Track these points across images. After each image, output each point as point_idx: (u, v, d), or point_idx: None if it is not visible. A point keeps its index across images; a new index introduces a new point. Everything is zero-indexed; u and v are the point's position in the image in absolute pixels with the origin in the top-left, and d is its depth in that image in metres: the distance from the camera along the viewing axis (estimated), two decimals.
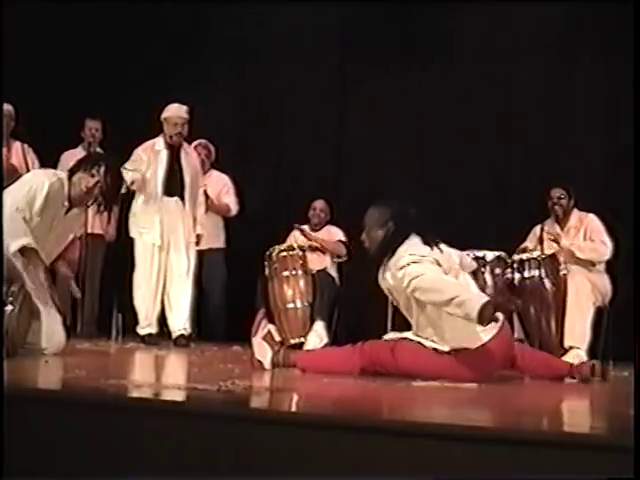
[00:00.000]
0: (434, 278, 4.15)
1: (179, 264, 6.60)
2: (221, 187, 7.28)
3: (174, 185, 6.58)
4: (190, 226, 6.65)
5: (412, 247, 4.30)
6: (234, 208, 7.27)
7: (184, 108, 6.64)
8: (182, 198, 6.61)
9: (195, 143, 7.10)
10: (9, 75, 7.12)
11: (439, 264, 4.27)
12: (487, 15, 7.61)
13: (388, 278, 4.35)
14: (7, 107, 6.73)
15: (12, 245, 4.40)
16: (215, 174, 7.33)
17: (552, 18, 7.35)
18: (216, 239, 7.32)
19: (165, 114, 6.64)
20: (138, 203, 6.60)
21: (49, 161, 6.74)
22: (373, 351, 4.33)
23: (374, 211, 4.53)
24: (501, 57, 7.65)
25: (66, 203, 4.75)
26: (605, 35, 7.29)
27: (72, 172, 4.80)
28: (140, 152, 6.57)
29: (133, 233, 6.62)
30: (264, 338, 4.47)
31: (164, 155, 6.58)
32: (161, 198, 6.54)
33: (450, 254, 4.46)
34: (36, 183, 4.65)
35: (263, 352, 4.44)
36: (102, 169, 4.72)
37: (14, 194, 4.62)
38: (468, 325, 4.10)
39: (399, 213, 4.47)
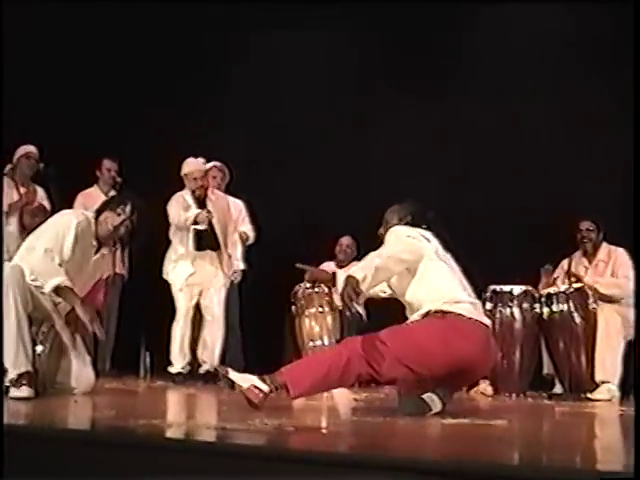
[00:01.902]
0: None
1: (212, 306, 6.72)
2: (237, 214, 7.26)
3: (206, 237, 6.73)
4: (224, 270, 6.74)
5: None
6: (252, 235, 7.26)
7: (201, 161, 6.80)
8: (215, 247, 6.78)
9: (210, 165, 7.08)
10: (28, 115, 7.28)
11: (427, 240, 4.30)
12: (508, 44, 7.62)
13: None
14: (31, 149, 6.82)
15: (47, 285, 4.43)
16: (232, 200, 7.30)
17: (576, 46, 7.35)
18: None
19: (184, 170, 6.79)
20: (175, 250, 6.70)
21: (66, 201, 6.78)
22: (365, 343, 4.11)
23: (394, 208, 4.57)
24: (524, 86, 7.63)
25: (95, 243, 4.79)
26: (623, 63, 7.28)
27: (99, 212, 4.84)
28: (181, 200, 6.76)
29: (170, 278, 6.71)
30: None
31: (193, 211, 6.71)
32: (195, 251, 6.75)
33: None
34: (65, 223, 4.69)
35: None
36: (128, 208, 4.76)
37: (43, 234, 4.66)
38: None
39: (418, 212, 4.51)
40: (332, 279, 4.35)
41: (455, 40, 7.76)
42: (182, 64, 8.21)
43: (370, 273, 4.04)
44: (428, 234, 4.38)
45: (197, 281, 6.75)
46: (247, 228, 7.27)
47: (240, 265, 7.02)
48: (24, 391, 4.27)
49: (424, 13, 7.74)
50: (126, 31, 7.97)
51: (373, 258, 4.16)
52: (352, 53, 8.15)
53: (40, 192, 6.88)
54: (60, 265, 4.54)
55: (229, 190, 7.34)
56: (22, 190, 6.80)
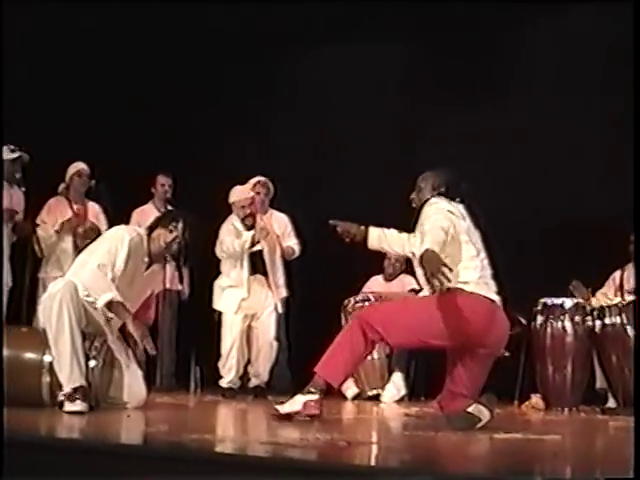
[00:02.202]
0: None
1: (263, 324, 6.76)
2: (283, 229, 7.25)
3: (257, 262, 6.86)
4: (272, 292, 6.85)
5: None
6: (297, 249, 7.24)
7: (248, 188, 6.91)
8: (264, 271, 6.89)
9: (254, 180, 7.10)
10: (82, 133, 7.40)
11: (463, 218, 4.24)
12: (556, 54, 7.57)
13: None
14: (83, 166, 6.91)
15: (99, 300, 4.49)
16: (275, 215, 7.29)
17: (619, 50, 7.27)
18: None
19: (231, 199, 6.89)
20: (227, 277, 6.85)
21: (120, 219, 6.86)
22: (371, 315, 4.25)
23: (429, 175, 4.52)
24: (572, 92, 7.55)
25: (146, 259, 4.84)
26: None
27: (151, 229, 4.89)
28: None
29: (221, 307, 6.86)
30: None
31: (245, 237, 6.80)
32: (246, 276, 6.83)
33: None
34: (117, 239, 4.75)
35: None
36: (180, 225, 4.80)
37: (96, 250, 4.72)
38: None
39: (453, 183, 4.46)
40: (362, 233, 4.67)
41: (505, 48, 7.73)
42: (229, 83, 8.28)
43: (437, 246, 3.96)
44: (463, 210, 4.32)
45: (251, 305, 6.80)
46: (292, 242, 7.26)
47: (283, 293, 7.04)
48: (78, 405, 4.31)
49: (470, 23, 7.74)
50: (176, 51, 8.06)
51: (427, 232, 4.06)
52: (397, 66, 8.15)
53: (93, 208, 6.96)
54: (112, 280, 4.60)
55: (273, 205, 7.37)
56: (75, 207, 6.89)
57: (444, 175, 4.50)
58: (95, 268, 4.55)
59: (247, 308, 6.82)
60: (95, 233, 6.61)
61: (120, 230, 4.92)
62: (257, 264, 6.88)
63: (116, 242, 4.71)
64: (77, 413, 4.26)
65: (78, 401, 4.32)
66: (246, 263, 6.83)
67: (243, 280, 6.82)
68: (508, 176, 7.65)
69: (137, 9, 7.56)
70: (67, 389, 4.35)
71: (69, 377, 4.36)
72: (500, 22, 7.66)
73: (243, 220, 6.87)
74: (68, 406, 4.32)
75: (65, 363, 4.37)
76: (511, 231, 7.57)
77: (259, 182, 7.19)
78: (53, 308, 4.40)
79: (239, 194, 6.94)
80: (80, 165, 6.94)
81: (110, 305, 4.52)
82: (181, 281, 7.02)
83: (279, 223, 7.22)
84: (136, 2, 7.49)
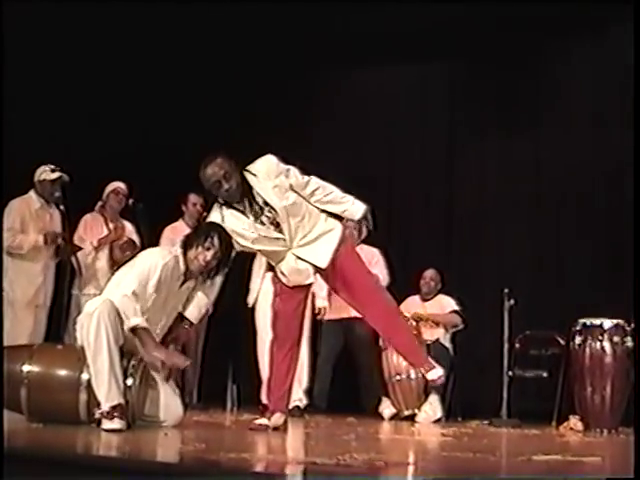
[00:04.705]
0: None
1: None
2: (370, 258, 7.04)
3: None
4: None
5: None
6: (384, 279, 7.00)
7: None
8: None
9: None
10: (117, 152, 7.48)
11: None
12: (594, 80, 7.53)
13: None
14: (120, 185, 6.97)
15: (125, 324, 4.52)
16: (365, 248, 7.10)
17: None
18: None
19: None
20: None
21: (154, 235, 6.89)
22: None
23: None
24: (611, 118, 7.53)
25: (182, 277, 4.84)
26: None
27: (185, 246, 4.86)
28: None
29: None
30: None
31: None
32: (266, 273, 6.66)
33: None
34: (151, 263, 4.73)
35: None
36: (216, 239, 4.79)
37: (130, 273, 4.73)
38: None
39: None
40: None
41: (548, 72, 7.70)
42: (267, 102, 8.33)
43: None
44: None
45: None
46: (378, 270, 7.01)
47: (319, 303, 6.95)
48: (116, 423, 4.33)
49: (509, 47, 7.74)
50: (213, 68, 8.13)
51: None
52: (439, 87, 8.17)
53: (129, 227, 7.02)
54: (144, 302, 4.61)
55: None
56: (111, 225, 6.94)
57: None
58: (126, 291, 4.57)
59: None
60: (132, 248, 6.66)
61: (155, 254, 4.88)
62: None
63: (150, 266, 4.70)
64: (115, 431, 4.27)
65: (116, 419, 4.34)
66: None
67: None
68: (546, 198, 7.64)
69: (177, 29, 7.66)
70: (105, 407, 4.37)
71: (107, 395, 4.38)
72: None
73: None
74: (106, 424, 4.33)
75: (103, 381, 4.39)
76: (550, 249, 7.56)
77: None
78: (91, 326, 4.42)
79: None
80: (117, 184, 7.00)
81: (134, 330, 4.54)
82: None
83: (367, 253, 6.94)
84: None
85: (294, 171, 4.85)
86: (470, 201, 7.90)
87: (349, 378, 7.05)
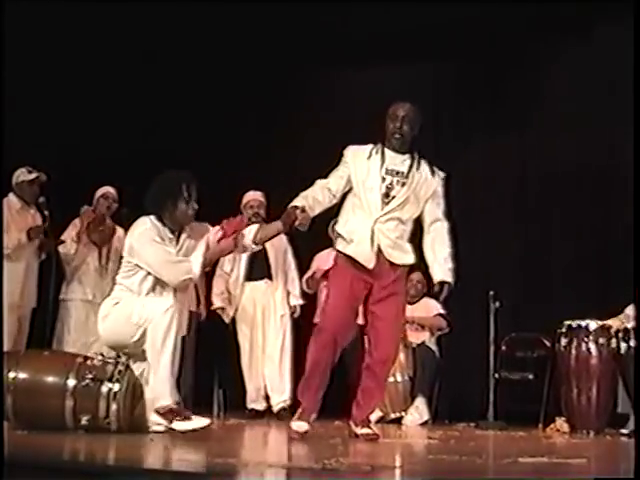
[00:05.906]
0: None
1: (275, 340, 6.73)
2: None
3: (260, 269, 6.91)
4: (281, 303, 6.86)
5: None
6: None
7: (259, 193, 6.96)
8: (270, 278, 6.92)
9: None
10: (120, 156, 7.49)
11: None
12: (582, 82, 7.55)
13: None
14: (109, 189, 6.95)
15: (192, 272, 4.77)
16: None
17: None
18: None
19: (243, 202, 6.94)
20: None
21: None
22: None
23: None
24: (597, 118, 7.53)
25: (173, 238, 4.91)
26: None
27: (160, 209, 4.91)
28: None
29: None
30: None
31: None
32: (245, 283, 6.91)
33: None
34: (146, 237, 4.81)
35: None
36: (190, 187, 4.92)
37: (149, 248, 4.79)
38: None
39: None
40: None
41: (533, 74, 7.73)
42: (254, 105, 8.35)
43: None
44: None
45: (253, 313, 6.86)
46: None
47: (293, 301, 7.03)
48: (196, 421, 4.61)
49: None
50: (212, 71, 8.14)
51: None
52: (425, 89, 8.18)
53: (120, 232, 6.98)
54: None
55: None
56: (99, 228, 6.92)
57: None
58: (169, 258, 4.72)
59: (253, 317, 6.94)
60: (102, 221, 6.79)
61: (140, 227, 4.90)
62: (260, 268, 6.94)
63: (150, 238, 4.77)
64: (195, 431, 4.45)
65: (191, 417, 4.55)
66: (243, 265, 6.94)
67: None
68: (534, 203, 7.65)
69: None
70: (165, 403, 4.49)
71: (170, 391, 4.53)
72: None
73: (249, 219, 6.80)
74: (178, 425, 4.52)
75: (164, 379, 4.50)
76: (536, 252, 7.57)
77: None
78: (163, 324, 4.50)
79: (250, 195, 6.99)
80: (106, 188, 6.99)
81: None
82: (198, 303, 7.05)
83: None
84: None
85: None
86: (455, 203, 7.88)
87: (336, 381, 7.03)
